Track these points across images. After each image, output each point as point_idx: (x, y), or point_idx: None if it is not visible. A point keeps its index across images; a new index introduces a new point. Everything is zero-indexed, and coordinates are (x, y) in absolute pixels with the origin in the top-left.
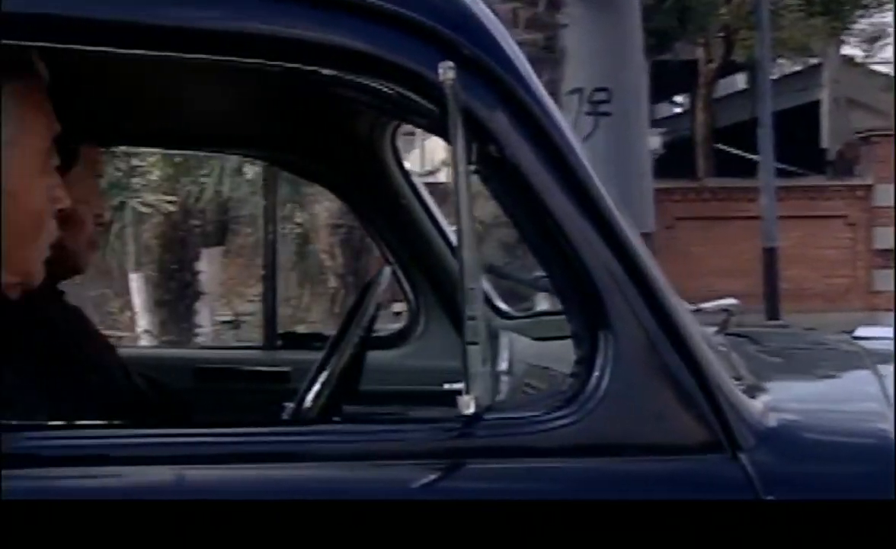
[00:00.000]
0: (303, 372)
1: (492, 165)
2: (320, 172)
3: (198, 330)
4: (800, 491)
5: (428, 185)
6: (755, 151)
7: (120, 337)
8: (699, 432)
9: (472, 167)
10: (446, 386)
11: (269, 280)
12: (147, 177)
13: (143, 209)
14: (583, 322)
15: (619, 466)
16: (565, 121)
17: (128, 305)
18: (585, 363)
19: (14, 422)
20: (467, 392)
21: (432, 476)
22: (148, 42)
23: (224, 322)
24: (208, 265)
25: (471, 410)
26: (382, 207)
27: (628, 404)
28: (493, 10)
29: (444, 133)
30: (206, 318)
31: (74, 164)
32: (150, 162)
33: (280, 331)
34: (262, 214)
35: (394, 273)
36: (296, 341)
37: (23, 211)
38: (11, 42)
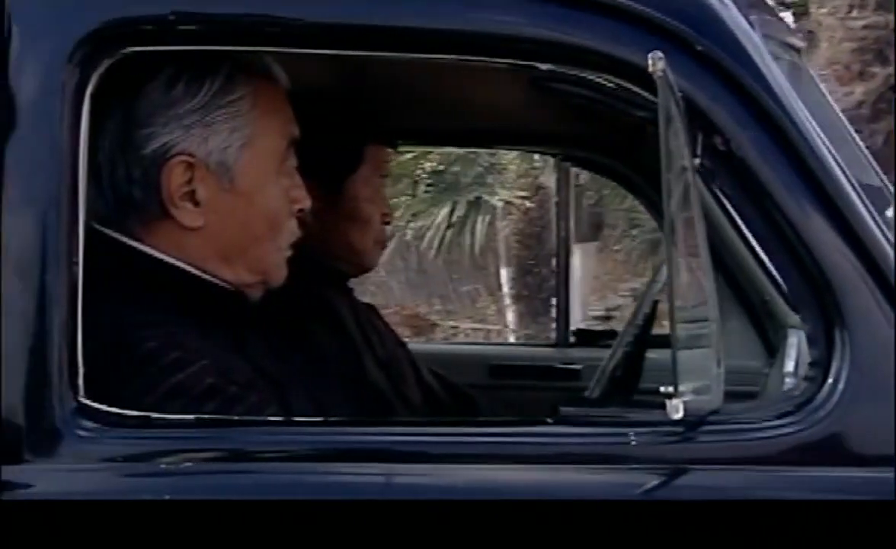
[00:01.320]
0: (594, 370)
1: (717, 158)
2: (613, 167)
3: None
4: None
5: None
6: None
7: (488, 331)
8: None
9: (696, 161)
10: (662, 389)
11: (562, 277)
12: (503, 173)
13: (499, 204)
14: (817, 323)
15: (852, 477)
16: (802, 111)
17: (498, 299)
18: (820, 367)
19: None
20: (677, 395)
21: (653, 482)
22: (401, 44)
23: (595, 317)
24: (582, 260)
25: (679, 414)
26: None
27: (863, 412)
28: None
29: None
30: (578, 313)
31: (360, 164)
32: (508, 159)
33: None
34: (555, 211)
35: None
36: (589, 338)
37: (258, 212)
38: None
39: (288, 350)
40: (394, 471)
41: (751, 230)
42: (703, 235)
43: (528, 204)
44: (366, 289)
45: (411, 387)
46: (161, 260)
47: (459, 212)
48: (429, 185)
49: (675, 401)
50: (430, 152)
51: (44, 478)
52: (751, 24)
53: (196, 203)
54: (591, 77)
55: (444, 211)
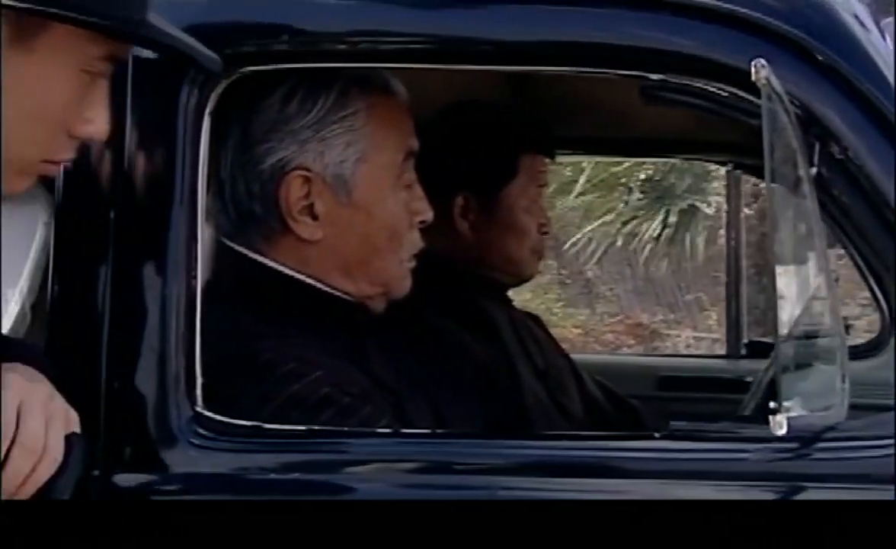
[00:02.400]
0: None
1: (834, 167)
2: None
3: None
4: None
5: None
6: None
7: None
8: None
9: (813, 170)
10: (772, 404)
11: (733, 288)
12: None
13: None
14: None
15: None
16: None
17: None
18: None
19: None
20: (780, 411)
21: (763, 498)
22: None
23: None
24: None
25: (783, 430)
26: None
27: None
28: None
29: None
30: None
31: (516, 174)
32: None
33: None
34: (725, 219)
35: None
36: (761, 350)
37: (376, 224)
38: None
39: (415, 361)
40: (495, 483)
41: (868, 241)
42: (822, 245)
43: (747, 211)
44: (592, 298)
45: (572, 398)
46: (280, 272)
47: (672, 220)
48: (642, 192)
49: (779, 417)
50: (644, 161)
51: (158, 484)
52: (881, 31)
53: (314, 217)
54: (704, 86)
55: (658, 219)
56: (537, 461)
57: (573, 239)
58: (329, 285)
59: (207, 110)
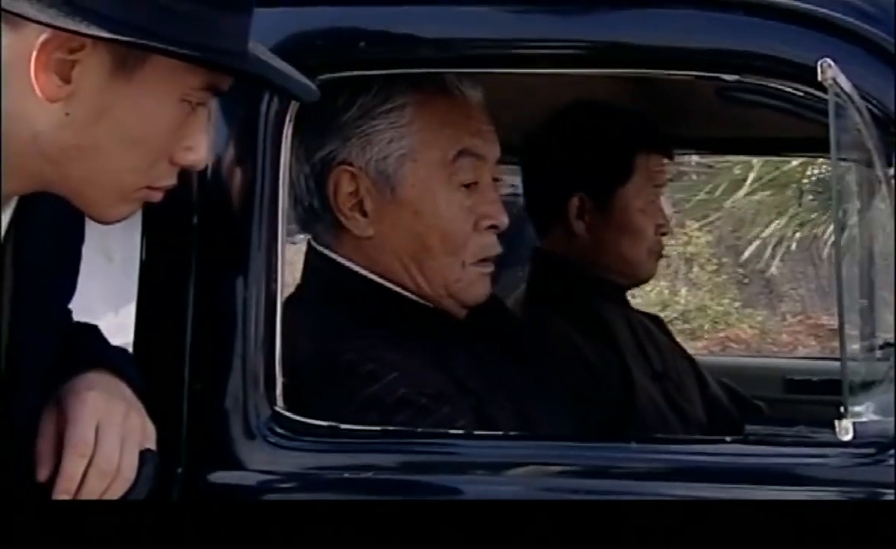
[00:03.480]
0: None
1: None
2: None
3: None
4: None
5: None
6: None
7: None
8: None
9: (892, 171)
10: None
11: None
12: None
13: None
14: None
15: None
16: None
17: None
18: None
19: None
20: (848, 416)
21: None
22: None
23: None
24: None
25: (849, 435)
26: None
27: None
28: None
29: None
30: None
31: (631, 175)
32: None
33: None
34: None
35: None
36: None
37: (426, 224)
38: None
39: (508, 362)
40: (559, 486)
41: None
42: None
43: None
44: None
45: (692, 401)
46: (357, 272)
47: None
48: (818, 193)
49: (845, 422)
50: (815, 161)
51: (237, 482)
52: None
53: (364, 213)
54: (780, 86)
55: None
56: (600, 465)
57: (748, 237)
58: (389, 282)
59: (288, 117)
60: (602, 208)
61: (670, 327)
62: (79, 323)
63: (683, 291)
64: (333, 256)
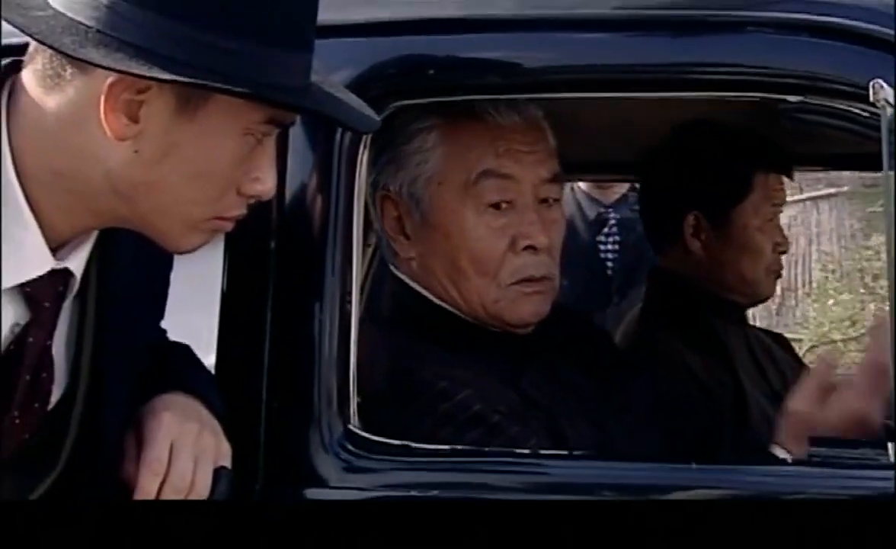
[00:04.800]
0: None
1: None
2: None
3: None
4: None
5: None
6: None
7: None
8: None
9: None
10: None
11: None
12: None
13: None
14: None
15: None
16: None
17: None
18: None
19: None
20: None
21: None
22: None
23: None
24: None
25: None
26: None
27: None
28: None
29: None
30: None
31: (748, 193)
32: None
33: None
34: None
35: None
36: None
37: (455, 245)
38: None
39: (580, 379)
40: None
41: None
42: None
43: None
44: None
45: None
46: (418, 292)
47: None
48: None
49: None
50: None
51: (311, 499)
52: None
53: (407, 236)
54: (847, 107)
55: None
56: (629, 483)
57: None
58: (444, 303)
59: (363, 144)
60: (718, 227)
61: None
62: (172, 343)
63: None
64: (399, 274)
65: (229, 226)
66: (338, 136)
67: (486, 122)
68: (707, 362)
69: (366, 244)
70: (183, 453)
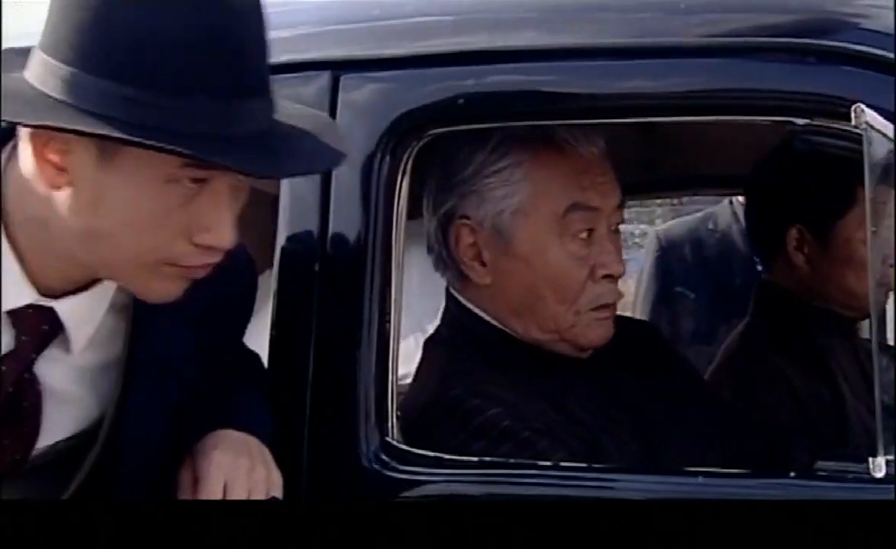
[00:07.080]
0: None
1: None
2: None
3: None
4: None
5: None
6: None
7: None
8: None
9: None
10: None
11: None
12: None
13: None
14: None
15: None
16: None
17: None
18: None
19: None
20: (879, 453)
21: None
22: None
23: None
24: None
25: (882, 473)
26: None
27: None
28: None
29: None
30: None
31: (852, 206)
32: None
33: None
34: None
35: None
36: None
37: (538, 275)
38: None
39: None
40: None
41: None
42: None
43: None
44: None
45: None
46: (478, 315)
47: None
48: None
49: (879, 459)
50: None
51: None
52: None
53: (483, 263)
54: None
55: None
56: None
57: None
58: (506, 327)
59: (401, 171)
60: (822, 240)
61: None
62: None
63: None
64: (460, 299)
65: (201, 273)
66: (376, 164)
67: (567, 154)
68: (806, 375)
69: None
70: (236, 490)
